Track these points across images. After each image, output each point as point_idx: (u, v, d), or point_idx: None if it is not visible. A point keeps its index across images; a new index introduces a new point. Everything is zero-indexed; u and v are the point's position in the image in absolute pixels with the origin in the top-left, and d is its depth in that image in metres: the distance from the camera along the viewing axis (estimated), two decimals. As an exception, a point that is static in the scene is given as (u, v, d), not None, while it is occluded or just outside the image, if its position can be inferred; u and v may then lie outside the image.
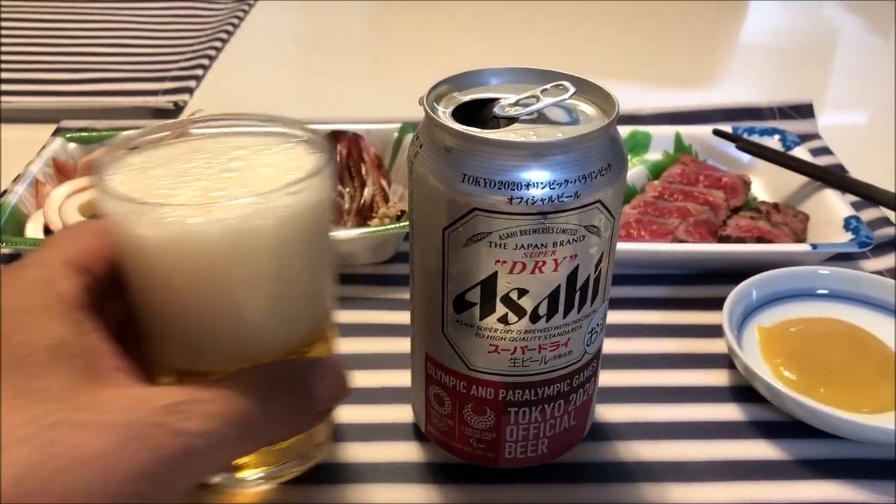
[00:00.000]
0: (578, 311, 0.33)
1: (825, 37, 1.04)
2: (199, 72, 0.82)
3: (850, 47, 1.01)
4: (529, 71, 0.35)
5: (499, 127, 0.32)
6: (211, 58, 0.87)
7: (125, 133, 0.60)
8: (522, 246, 0.31)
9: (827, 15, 1.10)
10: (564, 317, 0.33)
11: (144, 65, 0.84)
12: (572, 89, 0.32)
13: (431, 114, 0.31)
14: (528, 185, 0.30)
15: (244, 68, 0.88)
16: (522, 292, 0.32)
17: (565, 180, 0.30)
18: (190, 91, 0.78)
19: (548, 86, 0.33)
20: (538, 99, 0.32)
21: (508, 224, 0.30)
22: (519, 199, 0.30)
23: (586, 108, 0.33)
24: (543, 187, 0.30)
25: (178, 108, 0.75)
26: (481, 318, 0.33)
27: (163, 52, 0.88)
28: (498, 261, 0.31)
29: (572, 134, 0.30)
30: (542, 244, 0.31)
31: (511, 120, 0.32)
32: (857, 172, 0.64)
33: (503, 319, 0.33)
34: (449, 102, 0.33)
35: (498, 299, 0.32)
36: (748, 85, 0.88)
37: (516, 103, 0.32)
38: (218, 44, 0.91)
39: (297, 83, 0.86)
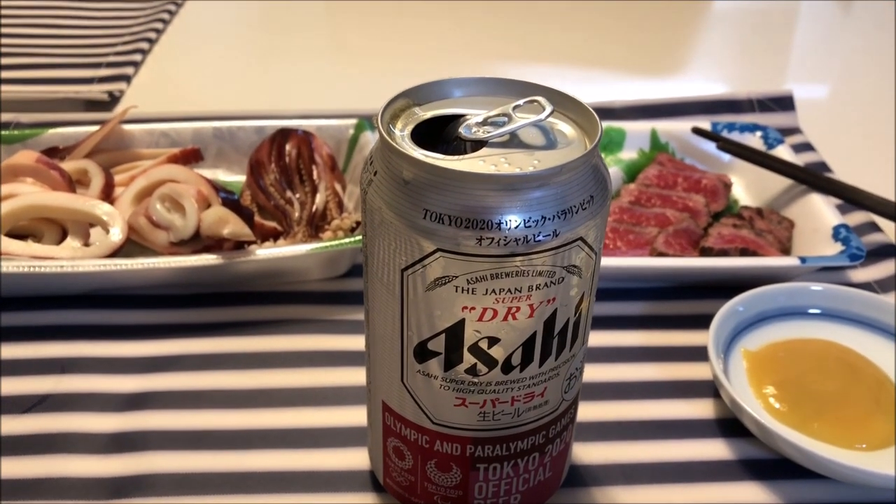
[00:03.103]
0: (556, 359, 0.29)
1: (795, 8, 1.01)
2: (138, 57, 0.76)
3: (814, 19, 0.98)
4: (499, 82, 0.30)
5: (465, 151, 0.27)
6: (151, 41, 0.80)
7: (52, 131, 0.55)
8: (493, 290, 0.27)
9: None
10: (540, 365, 0.29)
11: (77, 48, 0.77)
12: (549, 108, 0.28)
13: (387, 138, 0.27)
14: (499, 224, 0.25)
15: (185, 54, 0.81)
16: (493, 341, 0.28)
17: (542, 217, 0.26)
18: (127, 79, 0.72)
19: (521, 101, 0.28)
20: (510, 118, 0.28)
21: (477, 267, 0.26)
22: (490, 240, 0.25)
23: (564, 128, 0.29)
24: (517, 225, 0.25)
25: (113, 100, 0.69)
26: (446, 368, 0.29)
27: (98, 34, 0.80)
28: (465, 307, 0.27)
29: (551, 164, 0.26)
30: (515, 288, 0.27)
31: (479, 143, 0.27)
32: (828, 152, 0.61)
33: (471, 370, 0.29)
34: (408, 120, 0.29)
35: (465, 349, 0.28)
36: (723, 66, 0.84)
37: (485, 122, 0.28)
38: (159, 25, 0.84)
39: (242, 71, 0.79)
